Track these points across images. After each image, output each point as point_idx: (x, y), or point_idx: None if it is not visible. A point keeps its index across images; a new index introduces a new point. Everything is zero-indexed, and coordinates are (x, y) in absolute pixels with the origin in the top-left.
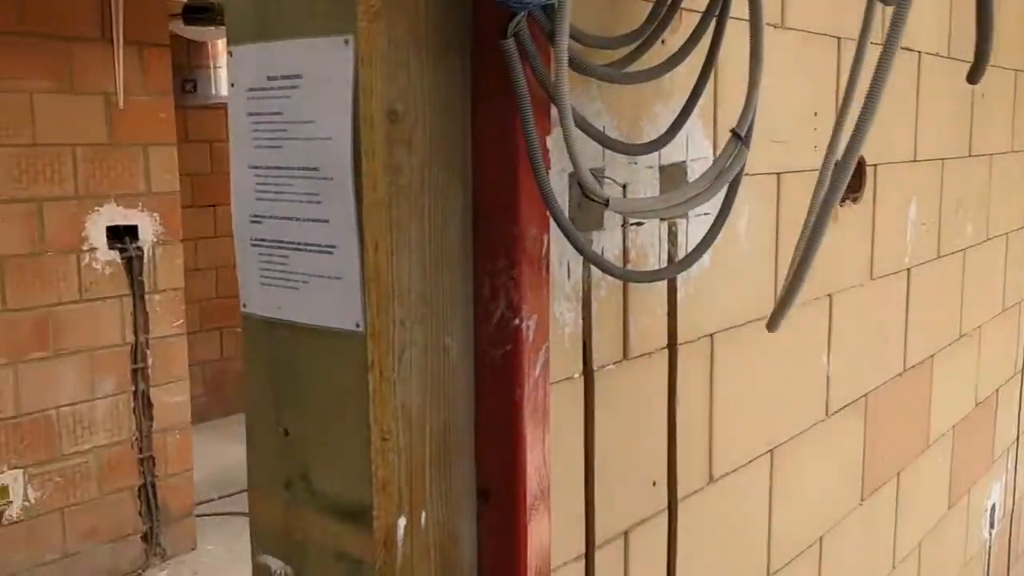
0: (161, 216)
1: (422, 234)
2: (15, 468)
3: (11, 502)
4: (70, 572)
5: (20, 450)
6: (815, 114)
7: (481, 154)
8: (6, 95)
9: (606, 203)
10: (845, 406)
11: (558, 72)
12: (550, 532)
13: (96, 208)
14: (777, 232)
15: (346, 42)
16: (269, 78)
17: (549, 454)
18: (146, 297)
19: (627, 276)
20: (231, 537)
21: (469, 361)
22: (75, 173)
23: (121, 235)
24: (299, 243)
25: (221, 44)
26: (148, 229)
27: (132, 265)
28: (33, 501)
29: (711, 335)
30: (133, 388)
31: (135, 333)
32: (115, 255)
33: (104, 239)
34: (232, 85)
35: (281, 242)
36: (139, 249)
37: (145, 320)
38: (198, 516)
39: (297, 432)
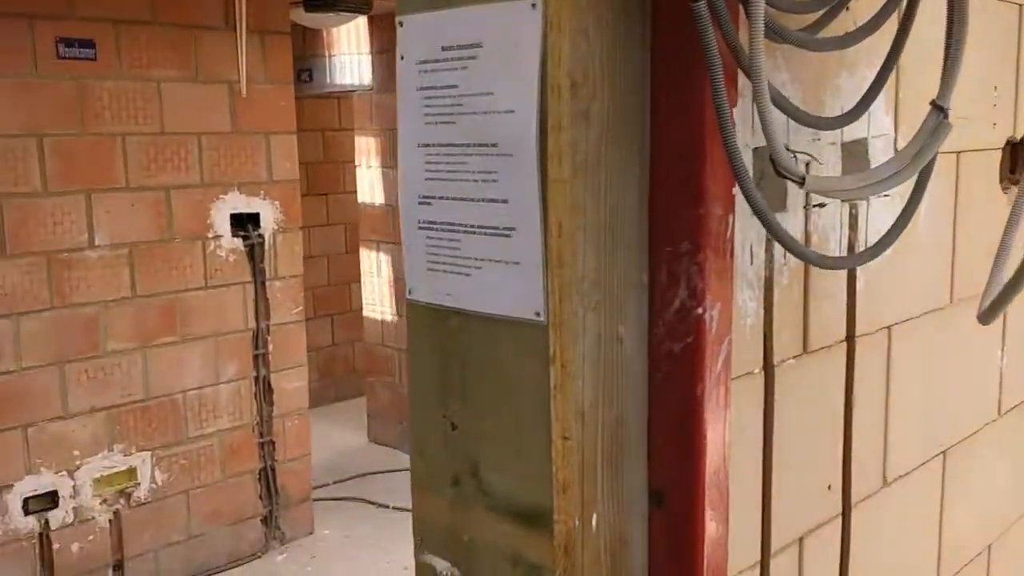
0: (282, 204)
1: (597, 215)
2: (143, 450)
3: (139, 484)
4: (194, 554)
5: (148, 433)
6: (995, 88)
7: (660, 128)
8: (136, 83)
9: (801, 181)
10: (1018, 404)
11: (753, 38)
12: (727, 538)
13: (221, 196)
14: (955, 216)
15: (533, 6)
16: (444, 48)
17: (728, 455)
18: (267, 284)
19: (825, 263)
20: (347, 522)
21: (643, 353)
22: (200, 161)
23: (243, 222)
24: (472, 226)
25: (336, 32)
26: (269, 217)
27: (254, 252)
28: (160, 483)
29: (888, 327)
30: (254, 373)
31: (256, 319)
32: (238, 242)
33: (228, 226)
34: (402, 58)
35: (452, 225)
36: (261, 236)
37: (266, 307)
38: (314, 500)
39: (466, 426)
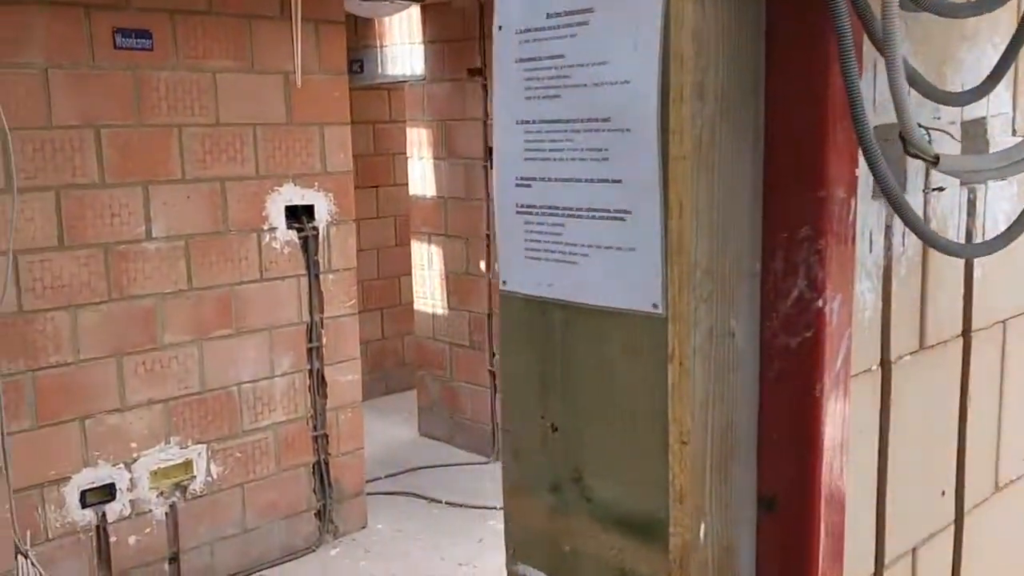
0: (335, 196)
1: (711, 197)
2: (199, 443)
3: (195, 477)
4: (249, 547)
5: (204, 426)
6: None
7: (776, 103)
8: (191, 74)
9: (935, 161)
10: None
11: (887, 5)
12: (843, 549)
13: (275, 188)
14: None
15: None
16: (549, 15)
17: (846, 460)
18: (320, 277)
19: (962, 252)
20: (400, 517)
21: (755, 348)
22: (255, 152)
23: (298, 214)
24: (579, 209)
25: (388, 22)
26: (323, 209)
27: (308, 244)
28: (215, 476)
29: (1003, 322)
30: (308, 366)
31: (310, 312)
32: (293, 235)
33: (283, 219)
34: (499, 28)
35: (555, 208)
36: (315, 229)
37: (320, 300)
38: (367, 494)
39: (568, 428)
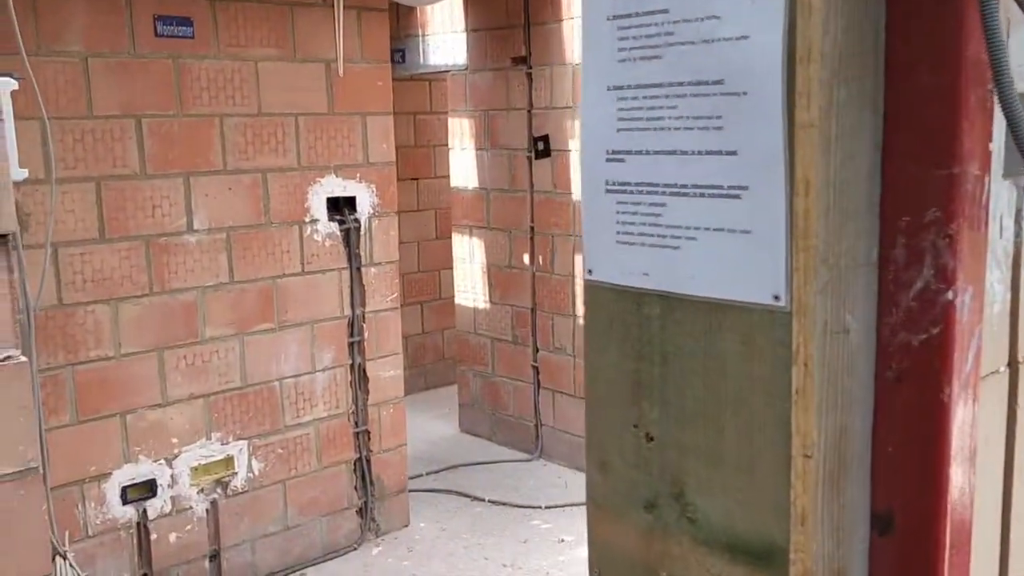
0: (377, 187)
1: (827, 174)
2: (240, 439)
3: (236, 473)
4: (291, 544)
5: (245, 421)
6: None
7: (898, 67)
8: (233, 62)
9: None
10: None
11: None
12: (969, 574)
13: (317, 179)
14: None
15: None
16: None
17: (975, 474)
18: (362, 270)
19: None
20: (443, 515)
21: (870, 346)
22: (297, 143)
23: (339, 206)
24: (684, 185)
25: (430, 11)
26: (365, 200)
27: (349, 237)
28: (256, 473)
29: None
30: (350, 361)
31: (352, 306)
32: (335, 227)
33: (325, 211)
34: None
35: (654, 185)
36: (357, 221)
37: (362, 293)
38: (409, 492)
39: (667, 438)
